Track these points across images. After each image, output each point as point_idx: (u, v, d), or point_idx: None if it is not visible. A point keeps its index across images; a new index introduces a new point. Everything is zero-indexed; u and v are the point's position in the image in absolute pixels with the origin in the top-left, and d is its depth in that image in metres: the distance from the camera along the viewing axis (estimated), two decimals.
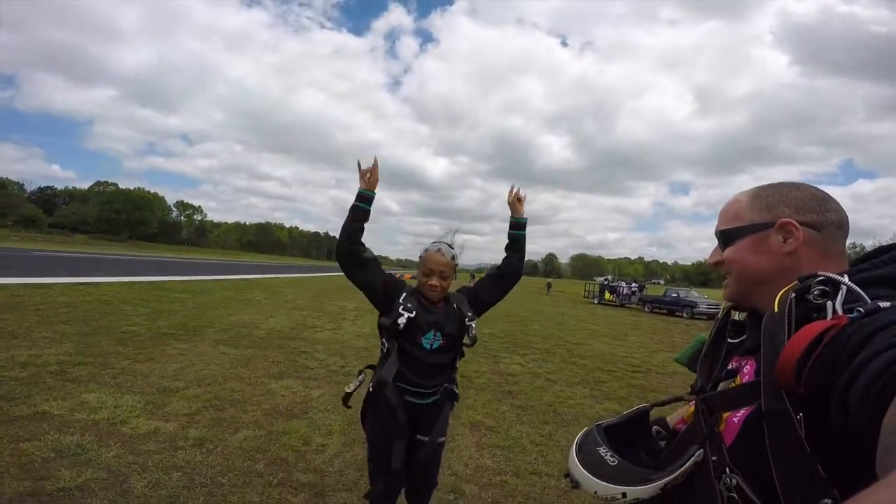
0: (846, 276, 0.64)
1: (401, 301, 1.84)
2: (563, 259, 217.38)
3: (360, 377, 1.94)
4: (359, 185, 1.92)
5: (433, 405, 1.86)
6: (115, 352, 4.98)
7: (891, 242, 0.74)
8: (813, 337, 0.56)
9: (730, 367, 0.81)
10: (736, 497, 0.65)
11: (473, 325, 1.87)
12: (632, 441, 0.91)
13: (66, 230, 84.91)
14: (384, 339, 1.84)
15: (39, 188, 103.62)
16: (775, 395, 0.60)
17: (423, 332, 1.83)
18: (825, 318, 0.60)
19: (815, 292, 0.64)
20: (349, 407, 1.98)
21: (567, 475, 0.88)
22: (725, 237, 0.83)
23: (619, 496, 0.78)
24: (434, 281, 1.86)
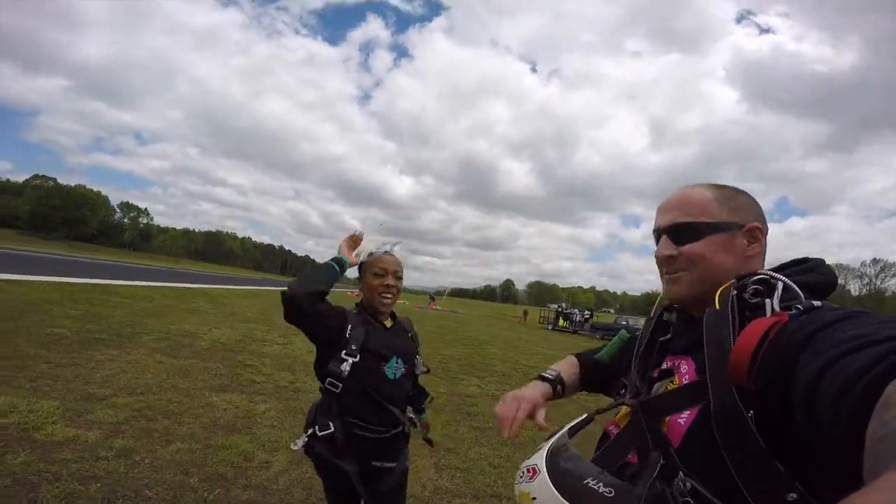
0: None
1: (347, 336, 1.58)
2: (521, 286, 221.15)
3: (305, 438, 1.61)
4: (343, 252, 1.67)
5: (393, 435, 1.66)
6: (35, 354, 4.50)
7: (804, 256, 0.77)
8: (762, 332, 0.57)
9: (664, 366, 0.79)
10: (691, 501, 0.62)
11: (421, 362, 1.77)
12: None
13: None
14: (332, 381, 1.56)
15: None
16: (725, 393, 0.59)
17: (384, 359, 1.62)
18: (763, 315, 0.62)
19: (751, 291, 0.66)
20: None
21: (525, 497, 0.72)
22: (689, 230, 0.79)
23: None
24: (391, 280, 1.67)
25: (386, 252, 1.75)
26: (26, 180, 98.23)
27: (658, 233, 0.84)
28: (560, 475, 0.71)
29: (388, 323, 1.75)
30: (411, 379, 1.76)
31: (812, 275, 0.71)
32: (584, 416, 0.91)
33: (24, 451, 2.46)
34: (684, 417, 0.68)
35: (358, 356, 1.57)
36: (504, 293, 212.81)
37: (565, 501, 0.67)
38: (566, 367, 1.11)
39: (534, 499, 0.70)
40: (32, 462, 2.37)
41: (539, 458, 0.75)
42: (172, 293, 14.49)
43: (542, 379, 1.06)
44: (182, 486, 2.46)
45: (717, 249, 0.76)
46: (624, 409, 0.81)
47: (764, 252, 0.79)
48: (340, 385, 1.57)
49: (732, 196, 0.81)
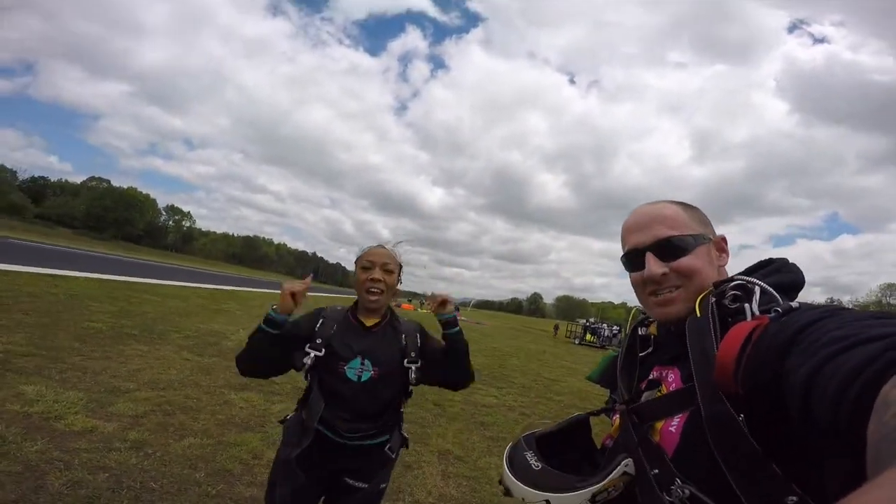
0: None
1: (316, 330, 1.51)
2: (549, 300, 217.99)
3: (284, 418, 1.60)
4: (277, 306, 1.46)
5: (368, 447, 1.53)
6: (69, 347, 4.72)
7: (770, 258, 0.77)
8: (745, 336, 0.57)
9: (651, 377, 0.79)
10: None
11: (413, 370, 1.54)
12: (566, 451, 0.88)
13: (51, 222, 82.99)
14: (305, 374, 1.51)
15: (32, 177, 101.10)
16: (714, 398, 0.60)
17: (344, 359, 1.49)
18: (744, 320, 0.62)
19: (730, 297, 0.67)
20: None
21: (500, 481, 0.84)
22: (682, 244, 0.77)
23: (543, 503, 0.74)
24: (376, 274, 1.53)
25: (378, 245, 1.63)
26: (83, 181, 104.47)
27: (637, 252, 0.80)
28: (513, 448, 0.85)
29: (370, 322, 1.59)
30: (395, 388, 1.57)
31: (780, 275, 0.72)
32: (576, 414, 0.94)
33: (42, 439, 2.56)
34: (675, 425, 0.69)
35: (322, 350, 1.48)
36: (531, 306, 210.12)
37: (506, 464, 0.82)
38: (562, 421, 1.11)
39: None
40: (47, 450, 2.46)
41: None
42: (205, 294, 15.04)
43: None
44: (188, 479, 2.50)
45: (706, 261, 0.77)
46: (617, 423, 0.82)
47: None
48: (308, 380, 1.51)
49: (696, 211, 0.83)
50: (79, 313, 6.60)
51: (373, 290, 1.53)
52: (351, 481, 1.52)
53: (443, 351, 1.59)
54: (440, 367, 1.59)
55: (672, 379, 0.74)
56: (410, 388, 1.58)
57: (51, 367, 3.93)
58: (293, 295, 1.44)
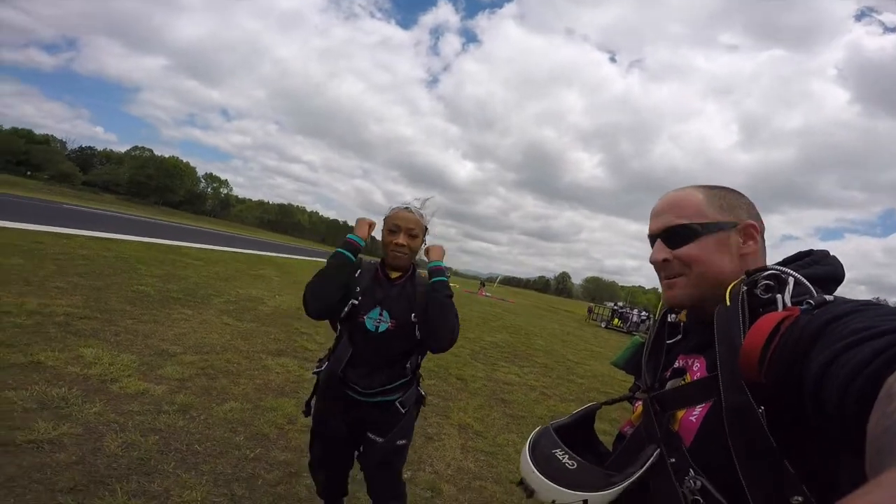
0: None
1: (356, 276, 1.65)
2: (577, 280, 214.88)
3: (314, 372, 1.78)
4: (357, 231, 1.69)
5: (387, 403, 1.62)
6: (121, 310, 5.05)
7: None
8: (772, 326, 0.56)
9: (677, 365, 0.79)
10: (701, 500, 0.62)
11: (419, 325, 1.62)
12: (578, 442, 0.85)
13: (97, 189, 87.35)
14: (336, 322, 1.66)
15: (80, 147, 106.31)
16: (736, 389, 0.59)
17: (365, 310, 1.58)
18: (775, 310, 0.61)
19: (762, 287, 0.65)
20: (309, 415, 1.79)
21: (520, 482, 0.80)
22: (686, 232, 0.78)
23: (580, 503, 0.71)
24: (401, 238, 1.61)
25: (405, 207, 1.66)
26: (127, 151, 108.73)
27: (652, 238, 0.84)
28: (535, 445, 0.81)
29: (394, 275, 1.67)
30: (408, 342, 1.63)
31: (818, 267, 0.70)
32: (590, 404, 0.94)
33: (100, 402, 2.80)
34: (696, 415, 0.68)
35: (359, 298, 1.59)
36: (559, 286, 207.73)
37: (532, 464, 0.77)
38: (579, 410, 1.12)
39: (521, 463, 0.81)
40: (105, 412, 2.69)
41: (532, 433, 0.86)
42: (244, 259, 15.63)
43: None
44: (229, 443, 2.71)
45: (712, 250, 0.76)
46: (638, 410, 0.81)
47: (763, 250, 0.79)
48: (339, 327, 1.65)
49: (724, 195, 0.80)
50: (129, 276, 7.01)
51: (397, 251, 1.63)
52: (371, 435, 1.66)
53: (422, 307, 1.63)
54: (426, 319, 1.62)
55: (697, 368, 0.74)
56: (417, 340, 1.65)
57: (106, 329, 4.24)
58: (370, 225, 1.71)
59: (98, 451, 2.30)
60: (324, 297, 1.58)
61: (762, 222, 0.79)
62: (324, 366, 1.70)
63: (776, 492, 0.55)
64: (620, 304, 35.68)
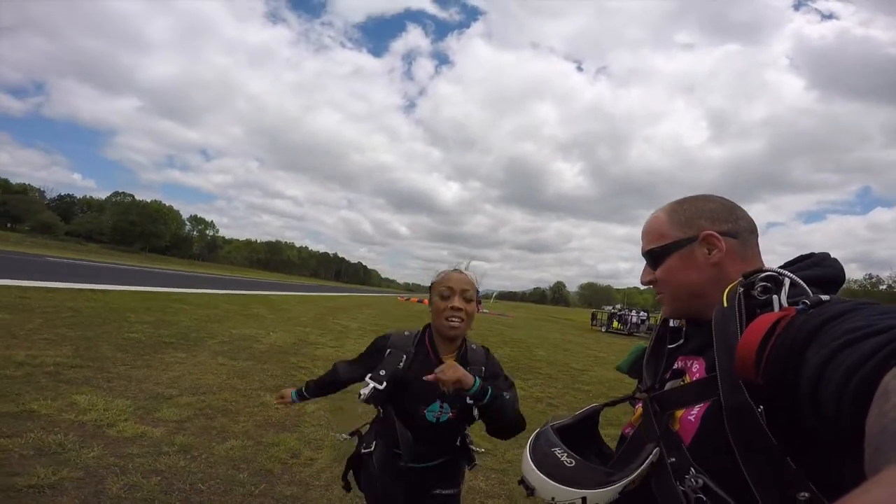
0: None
1: (385, 356, 1.46)
2: (573, 288, 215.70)
3: (347, 438, 1.66)
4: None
5: (445, 462, 1.54)
6: (113, 357, 4.96)
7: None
8: (768, 327, 0.57)
9: (676, 367, 0.80)
10: (704, 498, 0.62)
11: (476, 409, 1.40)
12: (581, 443, 0.85)
13: (81, 238, 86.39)
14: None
15: (59, 196, 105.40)
16: (734, 388, 0.60)
17: (424, 402, 1.43)
18: (772, 311, 0.61)
19: (759, 288, 0.66)
20: (348, 489, 1.67)
21: (521, 481, 0.81)
22: (654, 256, 0.84)
23: (579, 501, 0.72)
24: (456, 302, 1.44)
25: (455, 270, 1.53)
26: (108, 197, 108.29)
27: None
28: (535, 444, 0.82)
29: (447, 355, 1.49)
30: (468, 419, 1.49)
31: (817, 269, 0.70)
32: (592, 405, 0.94)
33: (98, 446, 2.74)
34: (694, 414, 0.69)
35: (383, 384, 1.40)
36: (555, 295, 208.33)
37: (532, 462, 0.78)
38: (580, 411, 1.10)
39: (522, 461, 0.82)
40: (104, 456, 2.63)
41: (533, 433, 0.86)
42: (235, 300, 15.44)
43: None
44: (233, 480, 2.64)
45: (678, 268, 0.80)
46: (639, 411, 0.82)
47: (746, 250, 0.79)
48: (379, 410, 1.49)
49: (685, 209, 0.83)
50: (118, 325, 6.90)
51: (453, 318, 1.45)
52: (440, 491, 1.53)
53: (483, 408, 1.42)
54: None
55: (696, 369, 0.75)
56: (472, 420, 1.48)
57: (98, 377, 4.15)
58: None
59: (100, 493, 2.25)
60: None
61: (733, 223, 0.80)
62: (370, 442, 1.54)
63: (782, 488, 0.55)
64: (618, 306, 35.76)
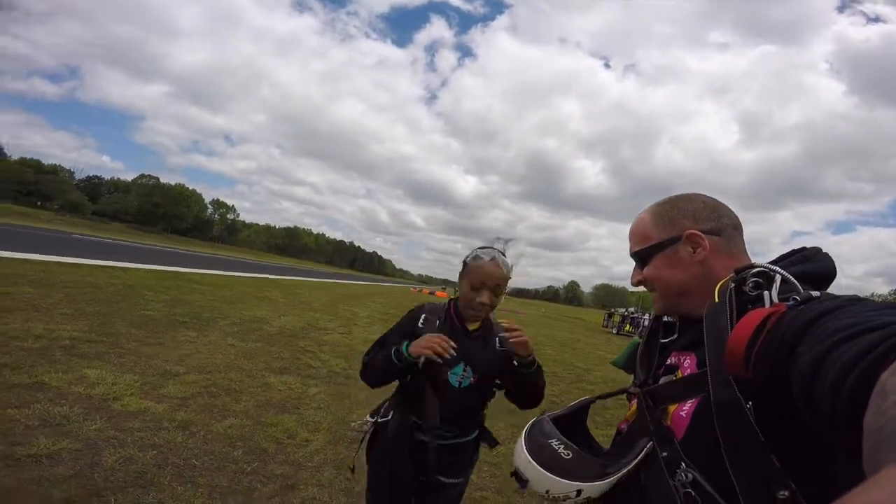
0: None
1: (420, 325, 1.54)
2: (587, 288, 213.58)
3: (371, 421, 1.64)
4: (411, 349, 1.47)
5: (460, 445, 1.57)
6: (127, 333, 5.11)
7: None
8: (758, 322, 0.57)
9: (669, 362, 0.81)
10: (693, 493, 0.63)
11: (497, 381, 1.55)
12: (571, 436, 0.85)
13: (106, 218, 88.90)
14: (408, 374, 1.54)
15: (88, 177, 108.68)
16: (724, 384, 0.60)
17: (448, 365, 1.49)
18: (762, 307, 0.61)
19: (750, 284, 0.66)
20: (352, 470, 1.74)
21: (514, 473, 0.80)
22: (640, 257, 0.87)
23: (574, 493, 0.72)
24: (485, 298, 1.48)
25: (492, 259, 1.49)
26: (134, 179, 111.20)
27: None
28: (530, 434, 0.81)
29: (472, 326, 1.57)
30: (488, 393, 1.60)
31: (808, 264, 0.71)
32: (585, 397, 0.96)
33: (100, 419, 2.84)
34: (686, 410, 0.70)
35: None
36: (568, 295, 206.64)
37: (527, 453, 0.77)
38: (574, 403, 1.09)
39: (515, 452, 0.83)
40: (105, 429, 2.72)
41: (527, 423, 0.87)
42: (250, 283, 15.73)
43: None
44: (227, 457, 2.72)
45: (662, 268, 0.83)
46: (634, 407, 0.84)
47: (731, 247, 0.80)
48: (409, 377, 1.53)
49: (667, 210, 0.85)
50: (135, 302, 7.10)
51: (479, 313, 1.53)
52: (444, 479, 1.56)
53: (513, 376, 1.54)
54: (514, 382, 1.56)
55: (688, 364, 0.76)
56: (494, 390, 1.60)
57: (110, 352, 4.29)
58: (430, 353, 1.41)
59: (96, 465, 2.33)
60: (374, 382, 1.59)
61: (716, 221, 0.81)
62: (386, 413, 1.60)
63: (763, 485, 0.55)
64: (631, 309, 35.34)
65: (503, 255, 1.54)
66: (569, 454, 0.75)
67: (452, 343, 1.43)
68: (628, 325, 28.46)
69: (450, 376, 1.50)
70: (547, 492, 0.74)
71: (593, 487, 0.71)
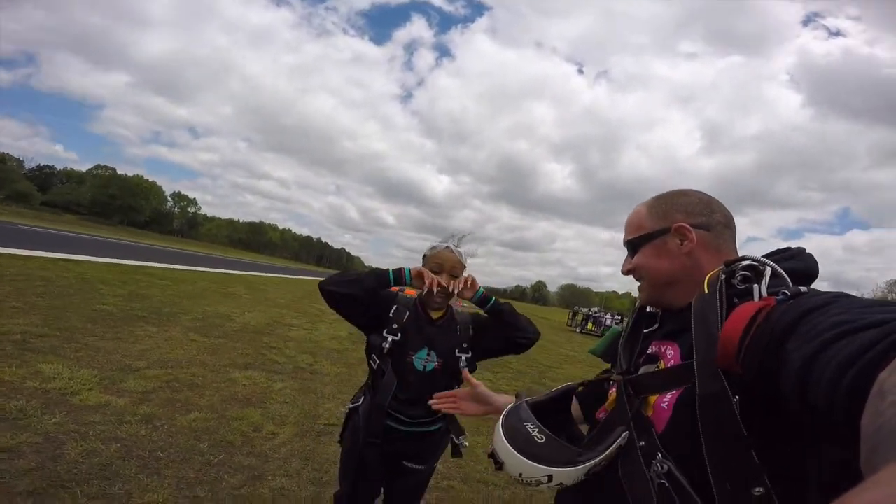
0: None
1: (390, 315, 1.63)
2: (553, 288, 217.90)
3: (350, 406, 1.73)
4: (413, 272, 1.58)
5: (427, 433, 1.66)
6: (82, 328, 4.94)
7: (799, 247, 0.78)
8: (750, 315, 0.57)
9: (650, 351, 0.83)
10: (667, 483, 0.64)
11: (463, 359, 1.62)
12: (552, 422, 0.84)
13: (58, 209, 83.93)
14: (374, 356, 1.64)
15: (38, 166, 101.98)
16: (712, 376, 0.60)
17: (413, 349, 1.61)
18: (751, 300, 0.62)
19: (739, 277, 0.67)
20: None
21: (491, 454, 0.82)
22: (632, 246, 0.89)
23: (545, 479, 0.72)
24: (444, 278, 1.60)
25: (447, 248, 1.66)
26: (89, 169, 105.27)
27: None
28: (507, 418, 0.82)
29: (436, 315, 1.69)
30: (451, 378, 1.65)
31: (794, 262, 0.71)
32: (567, 384, 0.97)
33: (59, 413, 2.78)
34: (667, 401, 0.70)
35: (399, 335, 1.60)
36: (535, 294, 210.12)
37: (503, 435, 0.79)
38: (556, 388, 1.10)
39: (493, 435, 0.83)
40: (65, 423, 2.68)
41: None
42: (213, 278, 15.29)
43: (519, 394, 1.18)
44: (192, 449, 2.73)
45: (651, 257, 0.85)
46: (613, 396, 0.85)
47: (720, 242, 0.82)
48: (377, 361, 1.62)
49: (662, 203, 0.87)
50: (90, 296, 6.83)
51: (438, 297, 1.62)
52: (409, 464, 1.67)
53: (494, 324, 1.68)
54: (499, 335, 1.67)
55: (671, 355, 0.76)
56: (461, 375, 1.60)
57: (65, 346, 4.15)
58: (428, 280, 1.54)
59: (58, 458, 2.30)
60: (343, 288, 1.57)
61: (707, 216, 0.83)
62: (360, 400, 1.69)
63: (739, 482, 0.56)
64: (595, 309, 36.44)
65: (457, 245, 1.70)
66: (542, 438, 0.75)
67: (443, 283, 1.57)
68: (591, 324, 29.35)
69: (414, 360, 1.61)
70: (520, 475, 0.74)
71: (564, 474, 0.71)
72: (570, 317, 36.94)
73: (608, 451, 0.72)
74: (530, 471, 0.73)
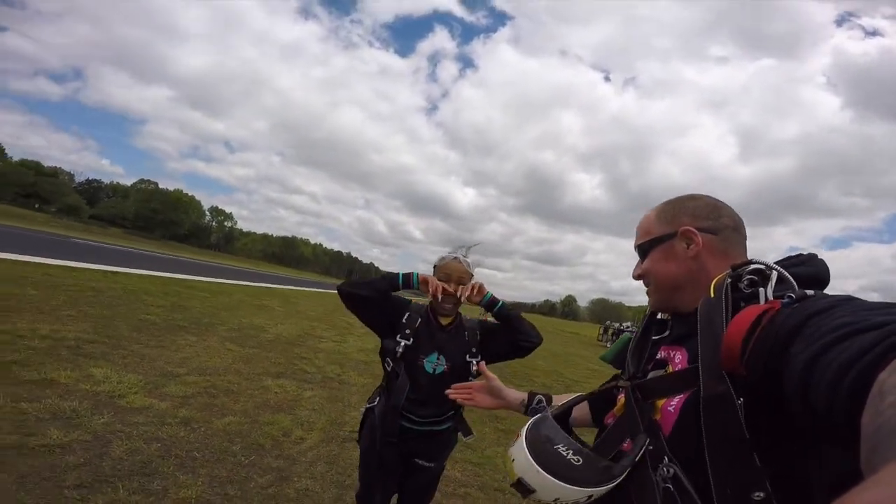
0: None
1: (403, 321, 1.75)
2: (583, 302, 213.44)
3: (367, 407, 1.84)
4: (419, 277, 1.71)
5: (436, 432, 1.76)
6: (129, 336, 5.27)
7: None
8: (754, 318, 0.57)
9: (659, 356, 0.82)
10: (671, 488, 0.64)
11: (474, 363, 1.72)
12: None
13: (104, 223, 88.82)
14: (388, 360, 1.75)
15: (87, 180, 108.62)
16: (717, 379, 0.60)
17: (424, 353, 1.72)
18: (757, 304, 0.62)
19: (746, 281, 0.67)
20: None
21: (517, 483, 0.74)
22: (642, 251, 0.90)
23: (584, 499, 0.70)
24: (451, 287, 1.70)
25: (454, 258, 1.78)
26: (133, 184, 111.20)
27: None
28: (534, 439, 0.76)
29: (445, 321, 1.80)
30: (458, 381, 1.69)
31: (804, 267, 0.71)
32: (576, 395, 0.98)
33: (107, 414, 3.02)
34: (674, 405, 0.70)
35: (411, 340, 1.71)
36: (564, 309, 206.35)
37: (534, 462, 0.72)
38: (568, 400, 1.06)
39: (513, 460, 0.77)
40: (112, 423, 2.91)
41: (524, 426, 0.81)
42: (248, 291, 15.85)
43: (531, 393, 1.24)
44: (226, 451, 2.90)
45: (659, 261, 0.85)
46: (621, 401, 0.84)
47: (727, 247, 0.81)
48: (391, 364, 1.73)
49: (670, 208, 0.88)
50: (135, 306, 7.25)
51: (446, 303, 1.75)
52: (421, 462, 1.78)
53: (501, 329, 1.81)
54: (505, 339, 1.79)
55: (679, 359, 0.75)
56: (471, 378, 1.72)
57: (114, 353, 4.46)
58: (434, 286, 1.66)
59: (104, 455, 2.50)
60: (357, 289, 1.73)
61: (714, 220, 0.82)
62: (376, 400, 1.80)
63: (739, 485, 0.56)
64: (627, 324, 35.50)
65: (465, 255, 1.82)
66: (579, 460, 0.71)
67: (449, 289, 1.68)
68: None
69: (425, 363, 1.72)
70: (556, 500, 0.71)
71: (602, 491, 0.71)
72: (602, 332, 36.13)
73: (636, 461, 0.71)
74: (571, 494, 0.70)
